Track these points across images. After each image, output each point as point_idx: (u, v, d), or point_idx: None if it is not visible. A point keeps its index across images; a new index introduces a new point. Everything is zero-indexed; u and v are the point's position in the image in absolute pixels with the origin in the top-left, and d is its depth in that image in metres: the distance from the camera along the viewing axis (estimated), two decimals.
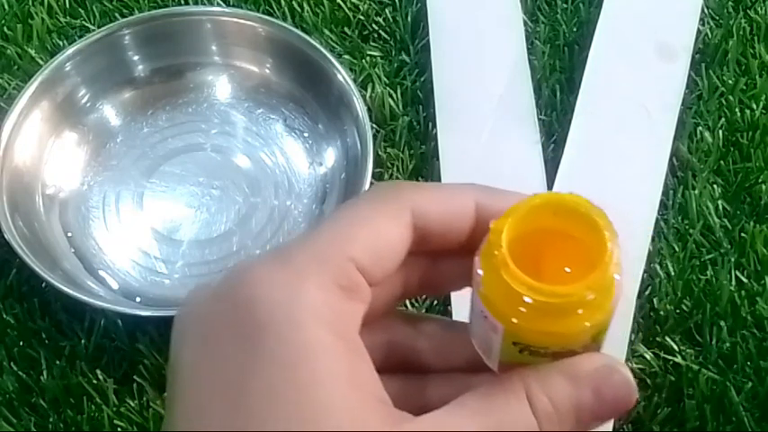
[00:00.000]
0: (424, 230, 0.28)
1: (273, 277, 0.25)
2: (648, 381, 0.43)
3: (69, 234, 0.48)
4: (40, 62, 0.53)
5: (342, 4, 0.56)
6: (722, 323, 0.44)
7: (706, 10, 0.55)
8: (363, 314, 0.27)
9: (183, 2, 0.57)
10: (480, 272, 0.26)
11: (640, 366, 0.43)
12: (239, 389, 0.24)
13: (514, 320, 0.25)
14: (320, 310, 0.25)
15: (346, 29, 0.56)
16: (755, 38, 0.55)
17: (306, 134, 0.52)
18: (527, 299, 0.24)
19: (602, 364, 0.27)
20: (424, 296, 0.45)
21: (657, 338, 0.44)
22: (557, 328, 0.25)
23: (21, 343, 0.44)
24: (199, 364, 0.26)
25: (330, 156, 0.51)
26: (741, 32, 0.54)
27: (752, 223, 0.47)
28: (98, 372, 0.43)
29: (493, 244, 0.25)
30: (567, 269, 0.26)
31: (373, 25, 0.56)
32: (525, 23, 0.55)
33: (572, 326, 0.25)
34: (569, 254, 0.26)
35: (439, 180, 0.48)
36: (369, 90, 0.52)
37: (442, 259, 0.30)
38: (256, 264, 0.26)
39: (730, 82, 0.53)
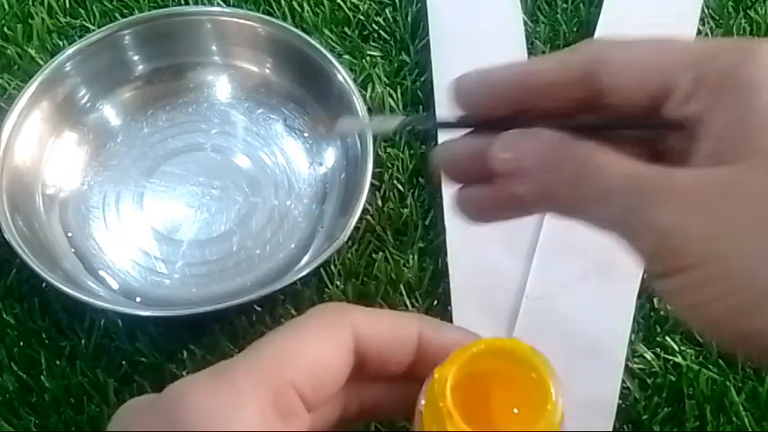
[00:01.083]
0: (364, 356, 0.28)
1: (211, 398, 0.25)
2: (648, 381, 0.43)
3: (69, 234, 0.48)
4: (40, 62, 0.53)
5: (342, 4, 0.56)
6: None
7: (706, 10, 0.55)
8: None
9: (183, 2, 0.57)
10: (423, 414, 0.26)
11: (640, 366, 0.43)
12: None
13: None
14: None
15: (346, 29, 0.56)
16: (755, 38, 0.55)
17: (306, 134, 0.52)
18: None
19: None
20: (423, 297, 0.45)
21: (657, 338, 0.44)
22: None
23: (21, 343, 0.44)
24: None
25: (330, 156, 0.51)
26: (741, 32, 0.54)
27: None
28: (98, 372, 0.43)
29: (437, 395, 0.25)
30: (515, 409, 0.27)
31: (373, 25, 0.56)
32: (525, 23, 0.55)
33: None
34: (516, 392, 0.27)
35: (439, 180, 0.48)
36: (369, 90, 0.52)
37: (381, 386, 0.30)
38: (196, 380, 0.26)
39: None
